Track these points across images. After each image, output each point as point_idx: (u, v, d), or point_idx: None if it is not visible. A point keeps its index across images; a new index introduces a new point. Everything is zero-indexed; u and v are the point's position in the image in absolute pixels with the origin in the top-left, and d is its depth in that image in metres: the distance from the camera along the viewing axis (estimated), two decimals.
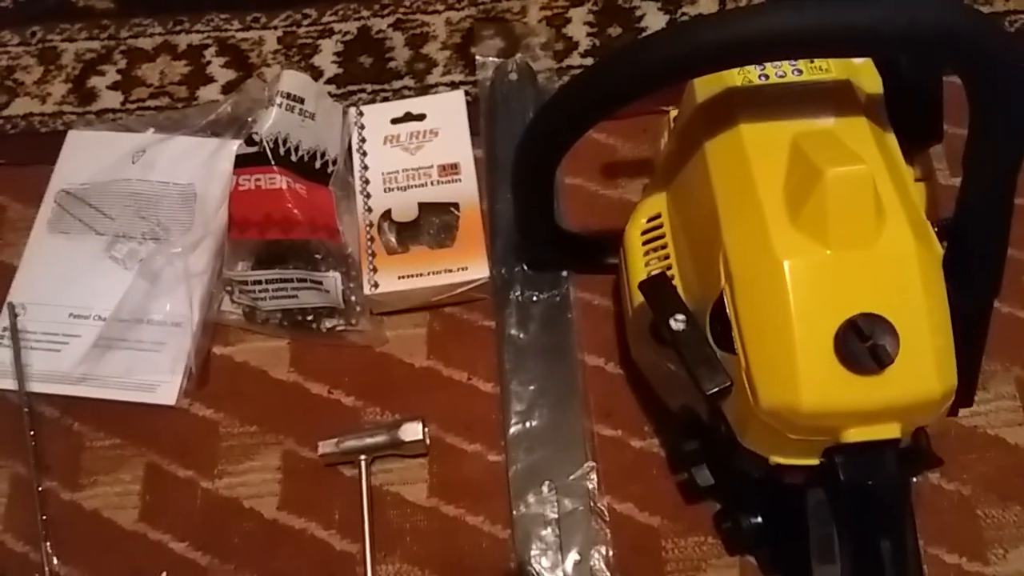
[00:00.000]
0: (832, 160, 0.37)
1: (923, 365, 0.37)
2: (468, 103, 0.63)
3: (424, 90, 0.66)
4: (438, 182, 0.59)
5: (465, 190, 0.58)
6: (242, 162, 0.57)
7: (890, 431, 0.38)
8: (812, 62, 0.44)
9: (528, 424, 0.54)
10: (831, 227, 0.37)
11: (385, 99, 0.66)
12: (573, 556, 0.50)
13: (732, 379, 0.40)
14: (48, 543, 0.53)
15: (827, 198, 0.37)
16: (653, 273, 0.45)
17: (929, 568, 0.49)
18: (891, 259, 0.37)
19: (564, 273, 0.59)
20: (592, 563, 0.50)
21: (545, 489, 0.52)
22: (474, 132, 0.62)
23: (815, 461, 0.40)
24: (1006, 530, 0.50)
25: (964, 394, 0.45)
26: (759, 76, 0.44)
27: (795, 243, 0.38)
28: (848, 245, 0.37)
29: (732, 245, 0.40)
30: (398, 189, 0.59)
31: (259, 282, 0.56)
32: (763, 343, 0.38)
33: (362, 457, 0.53)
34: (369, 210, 0.58)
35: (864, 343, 0.36)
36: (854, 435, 0.38)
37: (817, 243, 0.37)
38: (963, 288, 0.40)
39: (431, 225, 0.58)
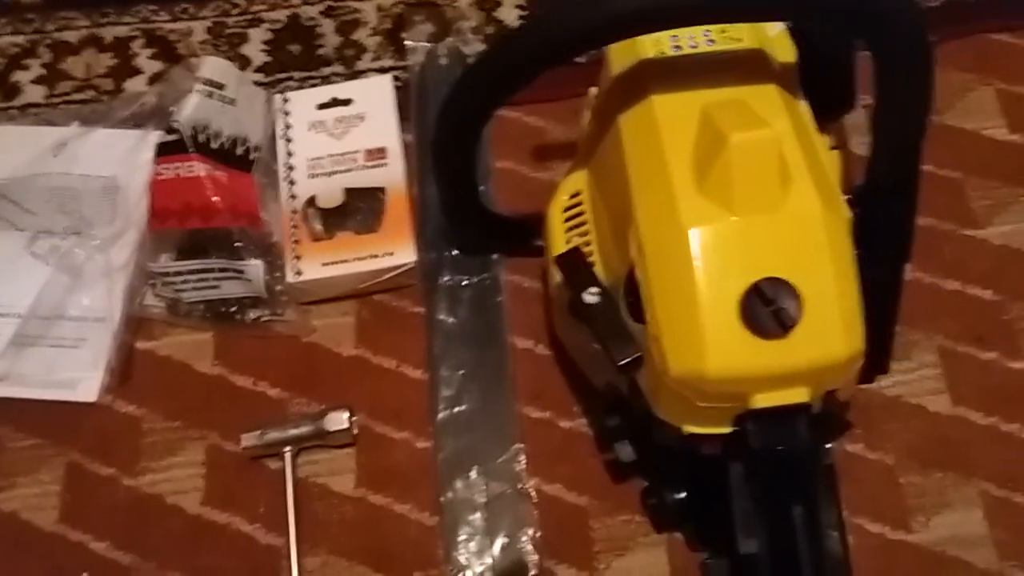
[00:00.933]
0: (737, 125, 0.37)
1: (828, 328, 0.37)
2: (398, 88, 0.63)
3: (354, 76, 0.66)
4: (364, 167, 0.58)
5: (392, 174, 0.58)
6: (162, 151, 0.56)
7: (799, 395, 0.37)
8: (724, 31, 0.44)
9: (457, 409, 0.54)
10: (736, 193, 0.37)
11: (314, 86, 0.65)
12: (501, 540, 0.50)
13: (643, 350, 0.39)
14: None
15: (732, 163, 0.37)
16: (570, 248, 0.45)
17: (853, 537, 0.48)
18: (796, 223, 0.37)
19: (494, 257, 0.58)
20: (520, 545, 0.50)
21: (473, 474, 0.52)
22: (405, 117, 0.62)
23: (727, 429, 0.39)
24: (928, 497, 0.50)
25: (880, 361, 0.46)
26: (672, 47, 0.44)
27: (701, 211, 0.38)
28: (754, 210, 0.37)
29: (641, 216, 0.40)
30: (323, 175, 0.58)
31: (180, 273, 0.55)
32: (670, 311, 0.38)
33: (287, 449, 0.52)
34: (293, 197, 0.57)
35: (767, 307, 0.36)
36: (763, 400, 0.37)
37: (723, 209, 0.37)
38: (874, 254, 0.40)
39: (358, 211, 0.57)
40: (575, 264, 0.43)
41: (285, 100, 0.61)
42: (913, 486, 0.51)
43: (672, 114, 0.41)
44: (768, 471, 0.40)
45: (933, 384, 0.53)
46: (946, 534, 0.49)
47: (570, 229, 0.48)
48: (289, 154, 0.59)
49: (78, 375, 0.55)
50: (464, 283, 0.57)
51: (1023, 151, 0.61)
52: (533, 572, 0.49)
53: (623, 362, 0.39)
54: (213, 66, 0.58)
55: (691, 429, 0.40)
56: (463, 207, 0.53)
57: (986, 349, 0.54)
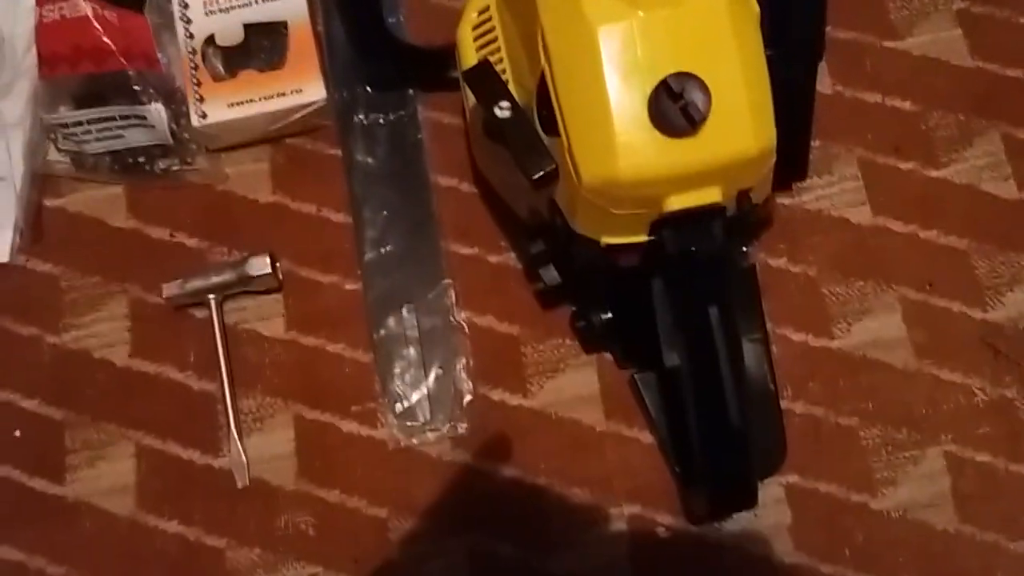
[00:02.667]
0: None
1: (738, 122, 0.36)
2: None
3: None
4: (264, 0, 0.54)
5: (294, 7, 0.54)
6: None
7: (711, 195, 0.37)
8: None
9: (383, 250, 0.53)
10: None
11: None
12: (435, 371, 0.51)
13: (557, 162, 0.39)
14: None
15: None
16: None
17: (777, 347, 0.50)
18: (702, 16, 0.36)
19: (411, 92, 0.56)
20: (454, 374, 0.50)
21: (404, 311, 0.52)
22: None
23: (644, 238, 0.39)
24: (850, 305, 0.52)
25: (797, 167, 0.46)
26: None
27: (606, 8, 0.36)
28: (658, 4, 0.36)
29: (546, 18, 0.38)
30: (220, 11, 0.54)
31: (80, 123, 0.52)
32: (580, 116, 0.37)
33: (211, 296, 0.51)
34: (191, 36, 0.54)
35: (676, 103, 0.35)
36: (676, 202, 0.37)
37: (628, 6, 0.36)
38: (785, 52, 0.39)
39: (260, 48, 0.54)
40: (485, 77, 0.41)
41: None
42: (836, 295, 0.52)
43: None
44: (685, 276, 0.40)
45: (854, 196, 0.54)
46: (867, 338, 0.51)
47: (481, 48, 0.46)
48: None
49: None
50: (380, 121, 0.55)
51: None
52: (468, 398, 0.50)
53: (537, 176, 0.39)
54: None
55: (609, 240, 0.40)
56: (368, 35, 0.51)
57: (904, 159, 0.54)
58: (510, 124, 0.40)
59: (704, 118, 0.35)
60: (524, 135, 0.40)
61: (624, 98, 0.36)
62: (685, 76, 0.35)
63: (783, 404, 0.49)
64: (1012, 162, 0.54)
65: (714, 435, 0.42)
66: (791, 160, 0.42)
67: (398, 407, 0.50)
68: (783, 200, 0.53)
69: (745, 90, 0.36)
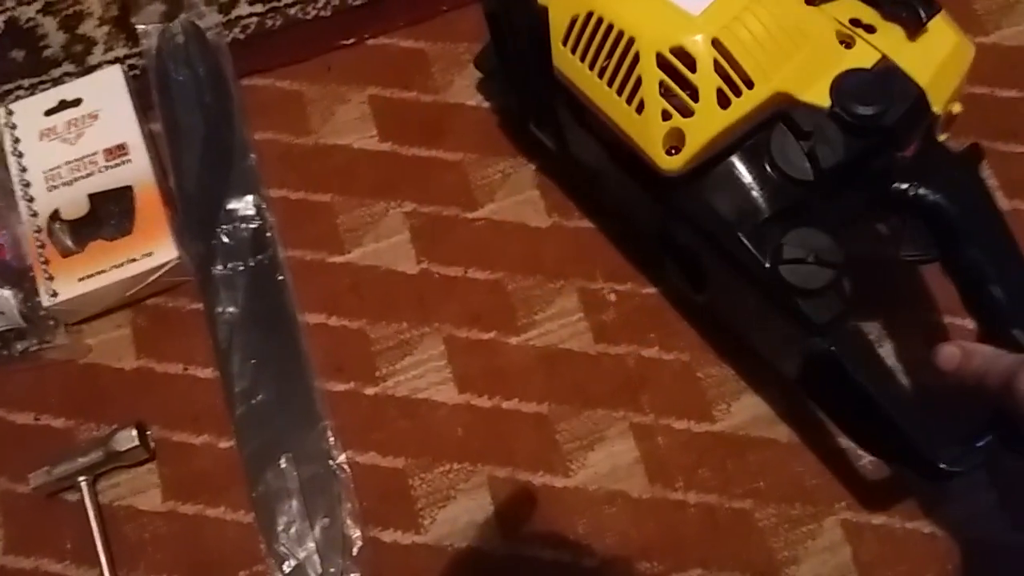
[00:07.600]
0: None
1: None
2: (137, 76, 0.59)
3: (89, 72, 0.61)
4: (106, 168, 0.54)
5: (138, 170, 0.54)
6: None
7: None
8: None
9: (254, 401, 0.52)
10: None
11: (45, 91, 0.60)
12: (321, 521, 0.49)
13: None
14: None
15: None
16: None
17: (662, 438, 0.50)
18: None
19: (268, 234, 0.55)
20: (341, 522, 0.49)
21: (283, 462, 0.50)
22: (149, 105, 0.58)
23: None
24: (726, 386, 0.52)
25: None
26: None
27: None
28: None
29: None
30: (63, 184, 0.54)
31: None
32: None
33: (81, 479, 0.49)
34: (35, 214, 0.53)
35: None
36: None
37: None
38: None
39: (109, 215, 0.54)
40: None
41: (9, 112, 0.56)
42: (711, 378, 0.52)
43: None
44: None
45: None
46: (747, 417, 0.51)
47: None
48: (23, 169, 0.54)
49: None
50: (240, 268, 0.54)
51: None
52: (358, 545, 0.49)
53: None
54: None
55: None
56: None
57: None
58: None
59: None
60: None
61: None
62: None
63: (675, 496, 0.49)
64: None
65: None
66: None
67: (286, 566, 0.48)
68: None
69: None
